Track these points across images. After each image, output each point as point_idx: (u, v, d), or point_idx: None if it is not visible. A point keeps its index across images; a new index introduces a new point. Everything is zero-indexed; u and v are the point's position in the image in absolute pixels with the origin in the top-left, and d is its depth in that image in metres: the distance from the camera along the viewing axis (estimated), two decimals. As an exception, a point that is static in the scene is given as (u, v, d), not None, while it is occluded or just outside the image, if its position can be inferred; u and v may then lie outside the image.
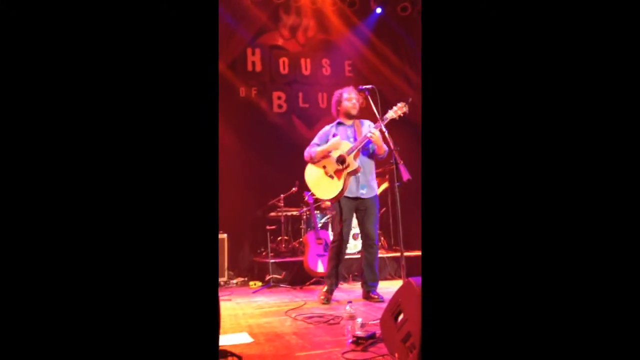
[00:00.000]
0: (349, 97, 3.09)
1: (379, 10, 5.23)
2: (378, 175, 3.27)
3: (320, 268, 3.92)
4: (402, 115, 2.86)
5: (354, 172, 2.93)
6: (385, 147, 2.90)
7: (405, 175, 2.54)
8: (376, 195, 3.06)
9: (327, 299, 2.97)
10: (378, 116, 2.76)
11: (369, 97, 2.86)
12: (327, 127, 3.18)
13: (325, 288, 3.04)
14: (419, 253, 4.42)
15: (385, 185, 4.33)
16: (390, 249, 4.58)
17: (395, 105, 2.87)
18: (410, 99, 2.90)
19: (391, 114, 2.85)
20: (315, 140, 3.14)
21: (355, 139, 3.02)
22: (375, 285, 3.02)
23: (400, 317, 1.66)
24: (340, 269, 3.06)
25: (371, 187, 3.04)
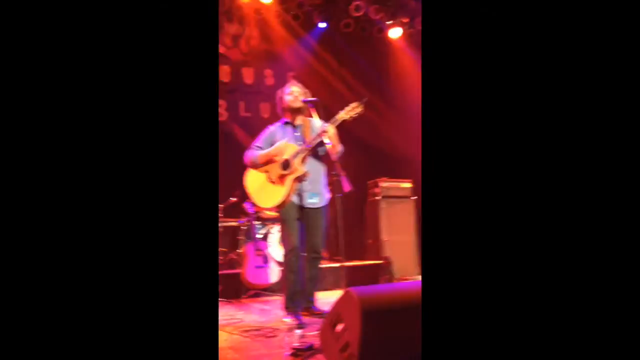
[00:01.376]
0: (290, 91, 2.75)
1: (322, 25, 5.31)
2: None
3: (259, 280, 3.83)
4: (355, 116, 2.59)
5: (301, 177, 2.62)
6: (340, 147, 2.60)
7: (347, 187, 2.54)
8: (326, 205, 2.77)
9: (300, 324, 2.44)
10: (320, 127, 2.62)
11: (312, 109, 2.69)
12: (271, 128, 2.83)
13: (287, 313, 2.57)
14: (359, 263, 4.47)
15: (326, 196, 4.35)
16: (331, 259, 4.59)
17: (348, 105, 2.61)
18: (365, 99, 2.63)
19: (342, 114, 2.59)
20: (257, 142, 2.81)
21: (304, 141, 2.69)
22: (313, 300, 2.79)
23: (339, 326, 1.64)
24: (297, 285, 2.63)
25: (322, 195, 2.72)
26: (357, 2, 4.94)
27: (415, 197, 4.80)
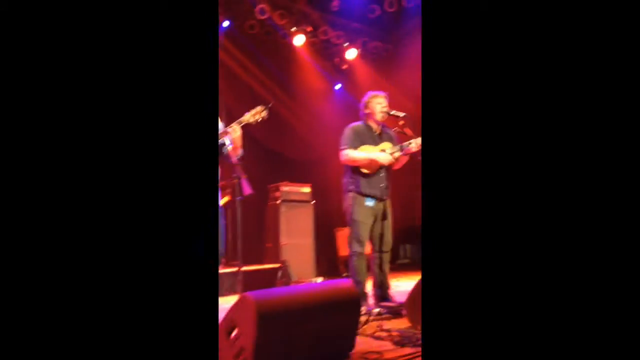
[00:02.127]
0: None
1: (225, 23, 5.20)
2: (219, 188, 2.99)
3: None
4: (259, 120, 2.59)
5: None
6: (241, 151, 2.56)
7: (247, 190, 2.51)
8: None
9: None
10: (222, 127, 2.56)
11: None
12: None
13: None
14: (257, 267, 4.43)
15: (226, 199, 4.25)
16: (227, 264, 4.48)
17: (254, 108, 2.59)
18: (271, 104, 2.64)
19: (247, 117, 2.55)
20: None
21: None
22: None
23: (234, 332, 1.61)
24: None
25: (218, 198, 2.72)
26: (262, 5, 4.93)
27: (314, 202, 4.92)
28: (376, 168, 2.87)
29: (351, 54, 5.82)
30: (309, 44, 5.59)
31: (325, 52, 5.93)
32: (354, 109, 3.29)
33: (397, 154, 2.93)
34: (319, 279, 4.59)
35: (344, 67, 6.09)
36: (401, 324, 2.35)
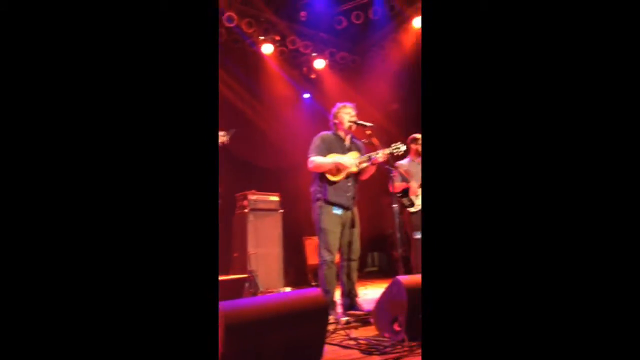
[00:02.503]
0: None
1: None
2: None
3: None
4: (219, 145, 2.63)
5: None
6: None
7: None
8: None
9: None
10: None
11: None
12: None
13: None
14: (224, 277, 4.35)
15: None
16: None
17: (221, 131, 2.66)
18: (233, 130, 2.70)
19: None
20: None
21: None
22: None
23: (200, 345, 1.58)
24: None
25: None
26: (229, 13, 4.92)
27: (282, 210, 4.91)
28: (344, 172, 2.91)
29: (319, 63, 5.88)
30: (277, 53, 5.61)
31: (294, 61, 5.96)
32: (322, 118, 3.32)
33: (364, 164, 2.97)
34: (287, 289, 4.56)
35: (312, 76, 6.14)
36: (369, 332, 2.36)
